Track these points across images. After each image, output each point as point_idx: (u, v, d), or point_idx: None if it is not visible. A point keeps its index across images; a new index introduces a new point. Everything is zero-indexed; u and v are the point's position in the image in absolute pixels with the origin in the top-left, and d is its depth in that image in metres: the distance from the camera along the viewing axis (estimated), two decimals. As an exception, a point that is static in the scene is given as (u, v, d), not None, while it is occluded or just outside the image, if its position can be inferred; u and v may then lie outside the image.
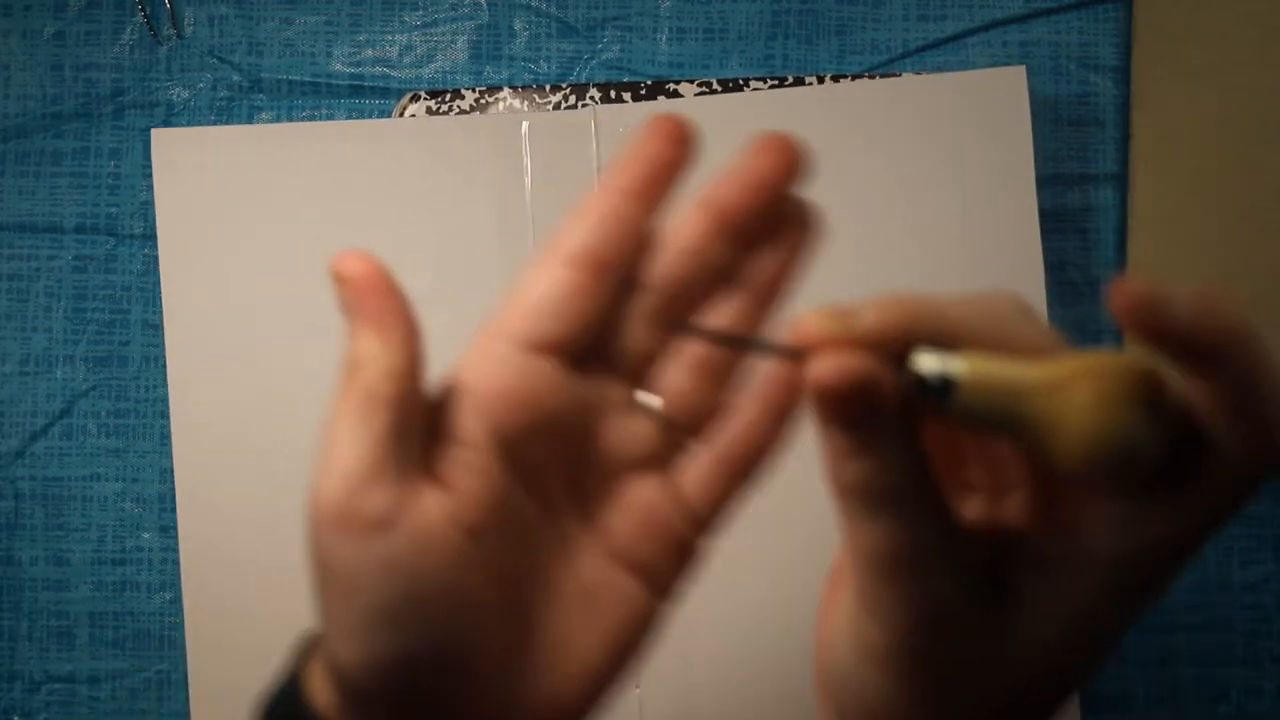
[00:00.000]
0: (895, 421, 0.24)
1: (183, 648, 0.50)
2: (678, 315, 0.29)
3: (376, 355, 0.27)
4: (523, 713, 0.28)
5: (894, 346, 0.23)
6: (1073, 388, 0.23)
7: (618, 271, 0.28)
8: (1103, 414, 0.22)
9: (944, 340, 0.24)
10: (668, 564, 0.29)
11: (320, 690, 0.28)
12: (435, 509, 0.26)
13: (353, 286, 0.28)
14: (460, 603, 0.27)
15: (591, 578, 0.29)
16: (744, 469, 0.29)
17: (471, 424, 0.27)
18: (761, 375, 0.29)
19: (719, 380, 0.29)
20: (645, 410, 0.26)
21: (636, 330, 0.28)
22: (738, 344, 0.27)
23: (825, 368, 0.23)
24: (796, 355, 0.24)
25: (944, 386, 0.23)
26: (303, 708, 0.28)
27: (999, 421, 0.23)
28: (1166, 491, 0.24)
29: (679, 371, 0.29)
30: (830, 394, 0.23)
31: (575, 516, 0.29)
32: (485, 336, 0.28)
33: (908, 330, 0.24)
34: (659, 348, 0.29)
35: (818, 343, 0.23)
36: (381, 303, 0.28)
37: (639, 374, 0.29)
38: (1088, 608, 0.25)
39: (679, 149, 0.30)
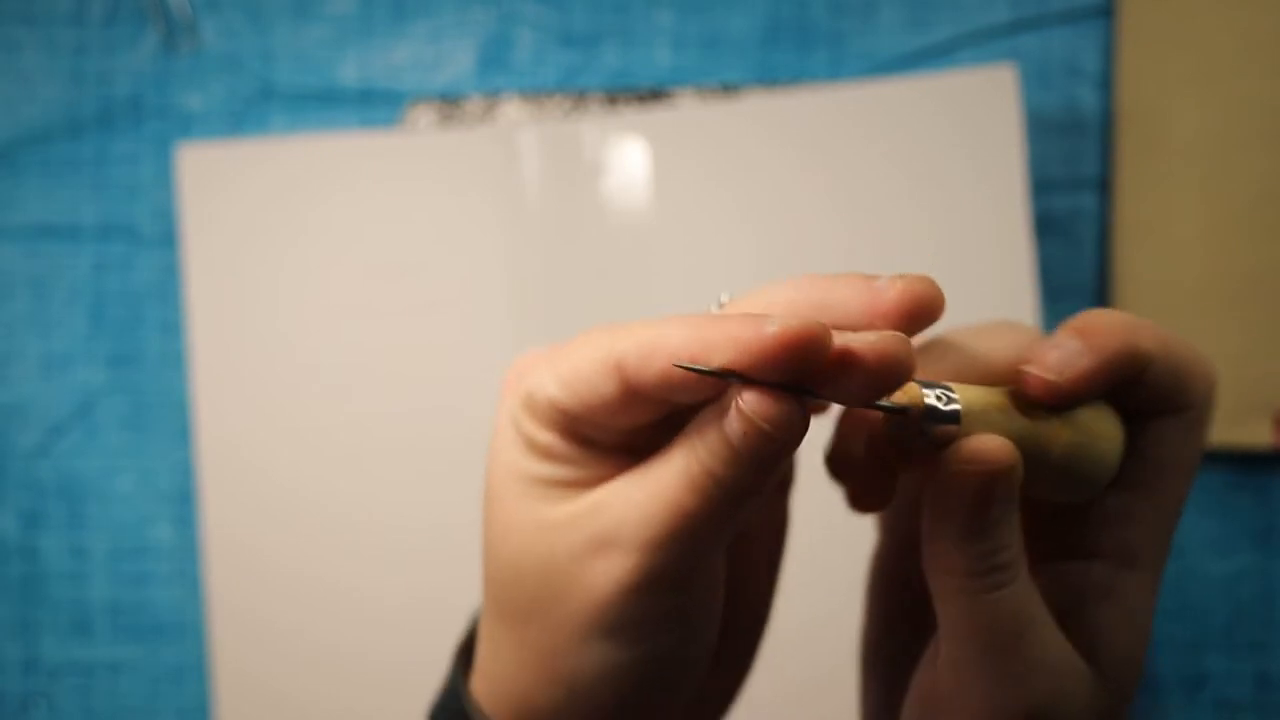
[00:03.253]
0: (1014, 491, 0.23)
1: (198, 637, 0.52)
2: None
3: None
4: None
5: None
6: (1051, 419, 0.23)
7: None
8: (1080, 440, 0.24)
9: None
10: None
11: (485, 695, 0.27)
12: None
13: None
14: (705, 617, 0.26)
15: None
16: None
17: None
18: None
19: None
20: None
21: None
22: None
23: (993, 451, 0.22)
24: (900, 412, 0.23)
25: (954, 416, 0.23)
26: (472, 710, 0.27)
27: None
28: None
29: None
30: (996, 477, 0.22)
31: None
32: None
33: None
34: None
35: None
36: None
37: None
38: (1136, 599, 0.25)
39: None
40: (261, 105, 0.53)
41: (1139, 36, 0.50)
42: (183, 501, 0.52)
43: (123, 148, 0.53)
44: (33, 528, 0.53)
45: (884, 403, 0.23)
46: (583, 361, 0.23)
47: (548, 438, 0.25)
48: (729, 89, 0.52)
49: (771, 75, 0.52)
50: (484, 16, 0.53)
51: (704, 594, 0.25)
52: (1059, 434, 0.24)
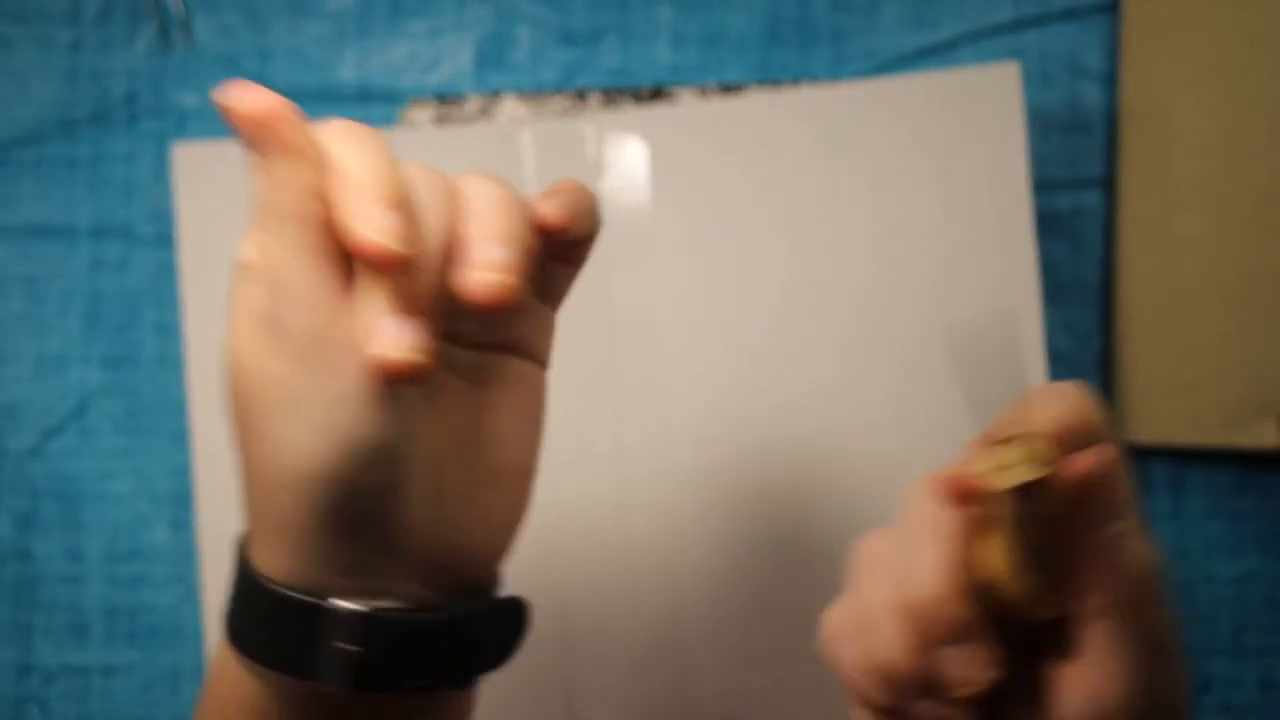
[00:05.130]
0: None
1: (195, 641, 0.51)
2: None
3: (305, 178, 0.30)
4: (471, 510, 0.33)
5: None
6: None
7: None
8: None
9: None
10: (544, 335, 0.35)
11: (256, 553, 0.31)
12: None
13: (257, 121, 0.30)
14: (400, 408, 0.30)
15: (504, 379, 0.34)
16: None
17: None
18: None
19: None
20: None
21: None
22: None
23: (1097, 456, 0.26)
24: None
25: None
26: (250, 573, 0.31)
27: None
28: None
29: None
30: (1112, 476, 0.26)
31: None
32: None
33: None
34: None
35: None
36: (294, 131, 0.30)
37: None
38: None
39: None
40: (258, 104, 0.53)
41: (1143, 34, 0.50)
42: (179, 504, 0.52)
43: (118, 147, 0.53)
44: (27, 530, 0.52)
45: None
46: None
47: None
48: (730, 87, 0.51)
49: (772, 73, 0.52)
50: (483, 14, 0.53)
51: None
52: None
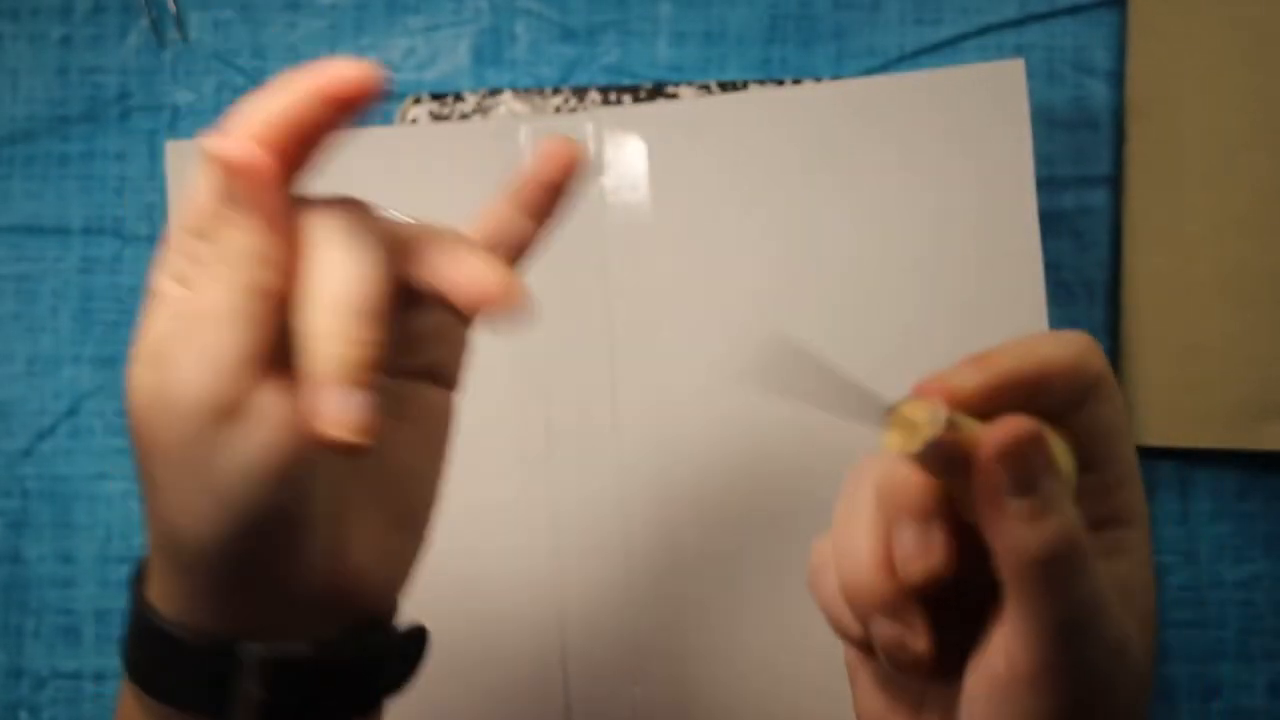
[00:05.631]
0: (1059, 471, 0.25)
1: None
2: None
3: (263, 249, 0.27)
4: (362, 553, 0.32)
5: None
6: None
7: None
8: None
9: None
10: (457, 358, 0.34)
11: (155, 587, 0.30)
12: (287, 400, 0.27)
13: (242, 178, 0.27)
14: (307, 474, 0.29)
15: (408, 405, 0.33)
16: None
17: None
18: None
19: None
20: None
21: None
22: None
23: (1002, 429, 0.24)
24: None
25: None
26: (149, 611, 0.30)
27: None
28: None
29: None
30: (1011, 452, 0.24)
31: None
32: None
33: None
34: None
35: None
36: (272, 199, 0.28)
37: None
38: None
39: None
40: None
41: (1150, 30, 0.49)
42: (172, 506, 0.51)
43: (110, 144, 0.52)
44: (18, 532, 0.52)
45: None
46: None
47: None
48: (730, 85, 0.51)
49: (773, 71, 0.51)
50: (481, 10, 0.52)
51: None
52: None
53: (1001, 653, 0.26)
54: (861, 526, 0.28)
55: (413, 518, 0.34)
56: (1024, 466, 0.24)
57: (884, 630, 0.27)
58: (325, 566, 0.30)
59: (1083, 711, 0.26)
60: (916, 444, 0.24)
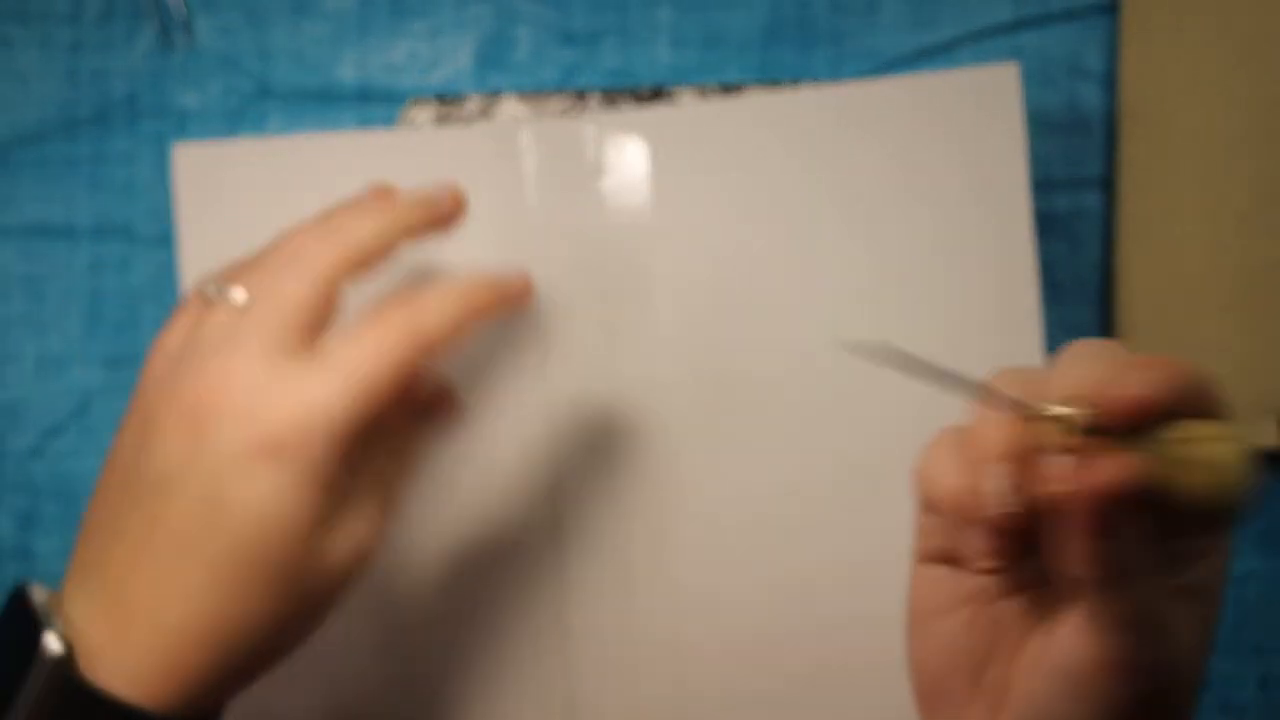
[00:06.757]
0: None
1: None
2: None
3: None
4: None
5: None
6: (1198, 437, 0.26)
7: None
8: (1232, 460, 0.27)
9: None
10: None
11: (109, 666, 0.30)
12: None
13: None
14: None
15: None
16: None
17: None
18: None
19: None
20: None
21: None
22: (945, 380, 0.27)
23: (1113, 472, 0.24)
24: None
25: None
26: (82, 684, 0.30)
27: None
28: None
29: None
30: (1117, 498, 0.24)
31: None
32: None
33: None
34: None
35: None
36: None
37: None
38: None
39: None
40: (259, 104, 0.53)
41: (1143, 34, 0.50)
42: (179, 503, 0.52)
43: (119, 147, 0.53)
44: (28, 530, 0.52)
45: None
46: None
47: None
48: (730, 88, 0.52)
49: (772, 74, 0.52)
50: (482, 14, 0.53)
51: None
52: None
53: (1070, 636, 0.27)
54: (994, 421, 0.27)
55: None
56: (1112, 526, 0.24)
57: (1003, 480, 0.26)
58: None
59: (1143, 707, 0.26)
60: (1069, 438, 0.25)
